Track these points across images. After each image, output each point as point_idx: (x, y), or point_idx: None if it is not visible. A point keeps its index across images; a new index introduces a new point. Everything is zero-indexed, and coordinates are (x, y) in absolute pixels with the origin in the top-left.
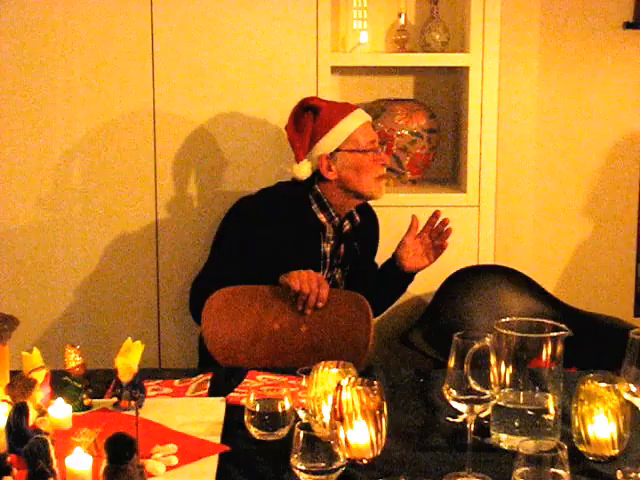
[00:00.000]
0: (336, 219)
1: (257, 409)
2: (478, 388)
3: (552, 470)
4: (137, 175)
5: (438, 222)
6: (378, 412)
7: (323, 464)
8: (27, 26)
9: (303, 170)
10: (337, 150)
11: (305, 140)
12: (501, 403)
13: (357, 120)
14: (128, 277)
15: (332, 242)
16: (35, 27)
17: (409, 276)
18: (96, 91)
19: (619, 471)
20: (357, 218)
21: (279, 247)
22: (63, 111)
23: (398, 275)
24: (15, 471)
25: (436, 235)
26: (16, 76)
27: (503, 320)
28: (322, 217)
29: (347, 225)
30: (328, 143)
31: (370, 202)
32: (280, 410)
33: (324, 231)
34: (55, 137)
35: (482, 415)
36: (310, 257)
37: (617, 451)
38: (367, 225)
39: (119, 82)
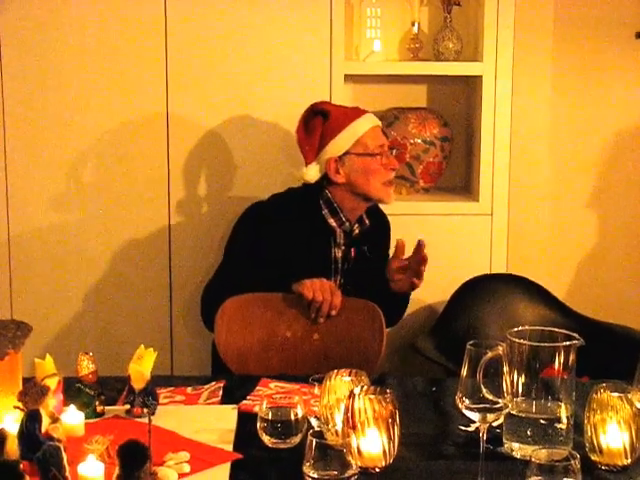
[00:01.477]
0: (347, 224)
1: (269, 417)
2: (491, 397)
3: (565, 479)
4: (150, 180)
5: (417, 252)
6: (391, 420)
7: (335, 472)
8: (40, 28)
9: (311, 173)
10: (346, 153)
11: (314, 143)
12: (514, 412)
13: (366, 124)
14: (140, 284)
15: (343, 247)
16: (48, 30)
17: (401, 294)
18: (109, 95)
19: None
20: (367, 221)
21: (290, 252)
22: (76, 114)
23: (391, 293)
24: (27, 478)
25: (416, 266)
26: (29, 79)
27: (516, 329)
28: (332, 222)
29: (357, 229)
30: (337, 146)
31: (382, 208)
32: (292, 418)
33: (335, 236)
34: (67, 141)
35: (495, 424)
36: (321, 262)
37: (629, 461)
38: (377, 228)
39: (132, 86)
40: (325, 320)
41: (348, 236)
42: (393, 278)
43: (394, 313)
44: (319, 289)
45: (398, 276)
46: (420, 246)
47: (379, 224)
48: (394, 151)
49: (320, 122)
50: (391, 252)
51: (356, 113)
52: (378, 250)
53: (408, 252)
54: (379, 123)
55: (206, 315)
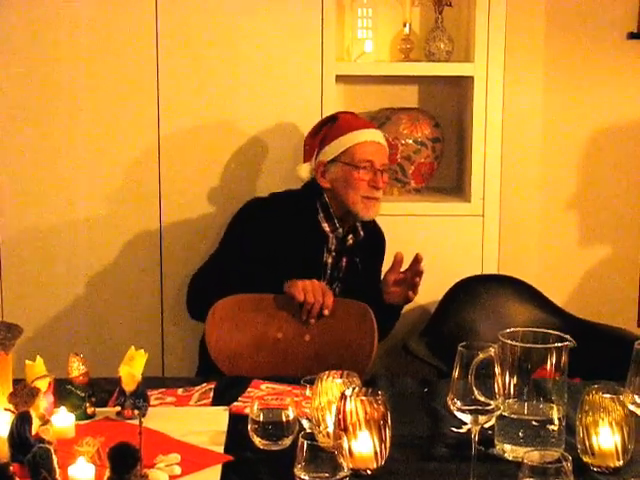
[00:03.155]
0: (340, 230)
1: (261, 418)
2: (482, 398)
3: None
4: (141, 182)
5: (414, 266)
6: (382, 422)
7: (327, 474)
8: (32, 31)
9: (302, 172)
10: (334, 160)
11: (314, 144)
12: (505, 413)
13: (362, 136)
14: (131, 285)
15: (334, 254)
16: (41, 33)
17: (394, 307)
18: (100, 96)
19: None
20: (361, 233)
21: (282, 251)
22: (67, 115)
23: (384, 304)
24: None
25: (411, 279)
26: (20, 81)
27: (507, 330)
28: (326, 227)
29: (351, 239)
30: (329, 151)
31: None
32: (284, 420)
33: (327, 241)
34: (57, 142)
35: (486, 425)
36: (311, 266)
37: (621, 462)
38: (372, 243)
39: (124, 86)
40: (317, 321)
41: (341, 243)
42: (389, 290)
43: (385, 326)
44: (310, 290)
45: (394, 289)
46: (417, 260)
47: (375, 239)
48: (384, 173)
49: (328, 126)
50: (384, 268)
51: (359, 124)
52: (370, 264)
53: (405, 265)
54: (381, 141)
55: (191, 303)
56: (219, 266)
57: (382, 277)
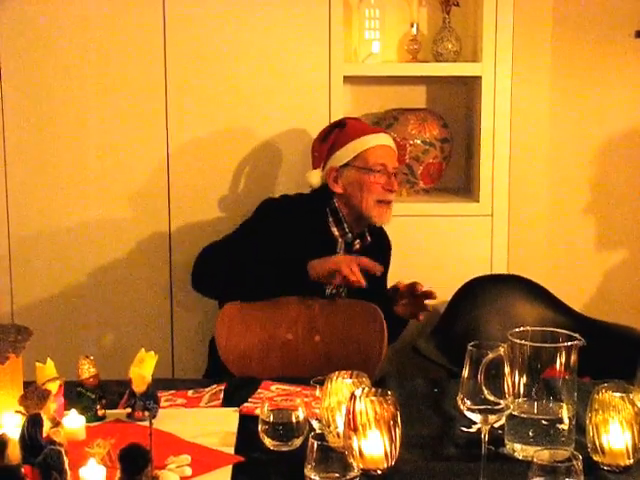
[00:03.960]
0: (349, 235)
1: (271, 419)
2: (492, 398)
3: None
4: (150, 183)
5: (424, 293)
6: (392, 422)
7: (337, 475)
8: (39, 31)
9: (313, 178)
10: (346, 165)
11: (324, 150)
12: (515, 413)
13: (374, 141)
14: (141, 287)
15: None
16: (47, 33)
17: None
18: (109, 98)
19: None
20: (368, 238)
21: (291, 252)
22: (75, 117)
23: (392, 314)
24: None
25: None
26: (28, 81)
27: (517, 330)
28: (335, 231)
29: (357, 244)
30: (341, 156)
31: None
32: (294, 420)
33: (335, 246)
34: (67, 142)
35: (496, 425)
36: None
37: (632, 461)
38: (378, 249)
39: (132, 88)
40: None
41: (348, 249)
42: (398, 303)
43: (393, 331)
44: (343, 261)
45: (403, 308)
46: (429, 293)
47: (381, 245)
48: (397, 176)
49: (337, 132)
50: (389, 275)
51: (369, 129)
52: None
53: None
54: (391, 144)
55: (198, 270)
56: (232, 248)
57: (394, 288)
